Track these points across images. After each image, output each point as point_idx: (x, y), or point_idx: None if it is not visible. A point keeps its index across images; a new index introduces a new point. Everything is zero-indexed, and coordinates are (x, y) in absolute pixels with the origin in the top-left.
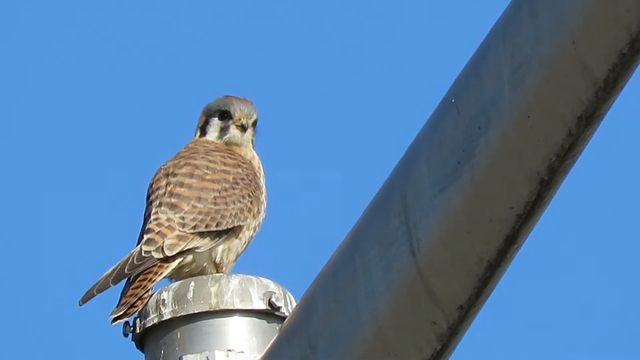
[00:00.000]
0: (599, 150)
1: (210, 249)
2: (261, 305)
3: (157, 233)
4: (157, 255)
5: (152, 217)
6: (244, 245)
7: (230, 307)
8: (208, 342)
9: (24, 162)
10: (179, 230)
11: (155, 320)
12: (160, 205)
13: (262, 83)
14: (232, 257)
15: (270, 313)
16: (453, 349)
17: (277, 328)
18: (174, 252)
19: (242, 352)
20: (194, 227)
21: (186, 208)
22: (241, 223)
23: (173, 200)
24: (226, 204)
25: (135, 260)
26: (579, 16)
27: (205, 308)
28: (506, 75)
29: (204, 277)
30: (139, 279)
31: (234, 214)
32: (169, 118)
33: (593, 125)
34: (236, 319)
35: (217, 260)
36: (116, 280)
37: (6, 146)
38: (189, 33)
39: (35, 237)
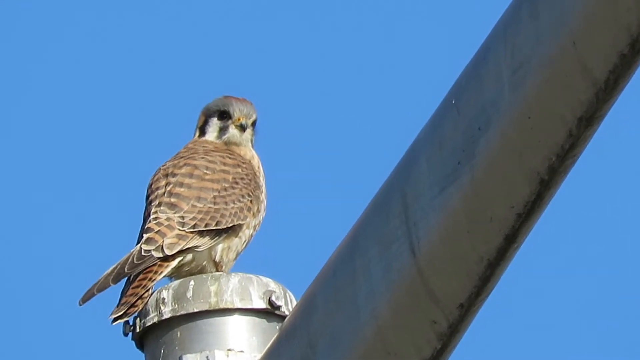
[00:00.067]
0: (599, 150)
1: (210, 247)
2: (261, 304)
3: (157, 232)
4: (157, 254)
5: (152, 216)
6: (244, 244)
7: (230, 306)
8: (208, 341)
9: (24, 162)
10: (179, 229)
11: (155, 319)
12: (159, 205)
13: (262, 83)
14: (232, 255)
15: (270, 312)
16: (453, 348)
17: (277, 327)
18: (174, 251)
19: (242, 351)
20: (194, 226)
21: (186, 207)
22: (241, 222)
23: (172, 200)
24: (226, 203)
25: (135, 259)
26: (579, 16)
27: (205, 307)
28: (506, 75)
29: (204, 275)
30: (139, 278)
31: (233, 212)
32: (168, 118)
33: (593, 125)
34: (236, 318)
35: (217, 259)
36: (116, 280)
37: (6, 146)
38: (189, 33)
39: (35, 236)
